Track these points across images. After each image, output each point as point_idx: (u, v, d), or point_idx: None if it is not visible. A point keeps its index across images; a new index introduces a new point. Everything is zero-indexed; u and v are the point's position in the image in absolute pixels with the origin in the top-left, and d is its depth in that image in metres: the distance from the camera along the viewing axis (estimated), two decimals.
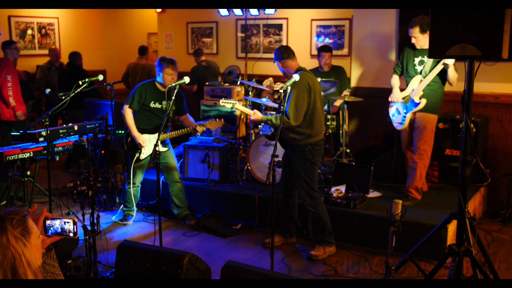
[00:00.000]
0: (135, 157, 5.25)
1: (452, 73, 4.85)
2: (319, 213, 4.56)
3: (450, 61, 4.77)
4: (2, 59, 7.33)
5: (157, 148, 4.73)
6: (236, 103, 4.77)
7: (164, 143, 5.29)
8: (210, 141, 6.12)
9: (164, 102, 5.20)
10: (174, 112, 5.29)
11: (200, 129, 5.11)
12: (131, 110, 5.21)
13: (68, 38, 10.54)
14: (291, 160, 4.62)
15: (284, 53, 4.59)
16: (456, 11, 3.08)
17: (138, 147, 5.22)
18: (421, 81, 4.99)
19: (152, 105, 5.20)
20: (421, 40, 4.97)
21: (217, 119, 5.21)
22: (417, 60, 5.07)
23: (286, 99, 4.41)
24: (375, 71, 6.57)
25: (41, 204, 6.04)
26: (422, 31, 4.91)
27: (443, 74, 4.94)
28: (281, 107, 4.32)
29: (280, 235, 4.89)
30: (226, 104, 4.79)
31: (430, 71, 4.92)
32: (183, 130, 5.19)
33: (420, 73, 5.02)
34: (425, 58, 5.00)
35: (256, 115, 4.67)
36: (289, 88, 4.28)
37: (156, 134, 5.24)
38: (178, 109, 5.33)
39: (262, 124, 6.18)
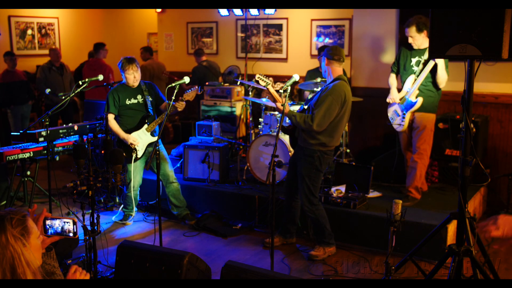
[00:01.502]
0: (133, 158, 5.24)
1: (441, 72, 4.84)
2: (318, 218, 4.55)
3: (438, 60, 4.77)
4: (96, 60, 8.18)
5: (148, 140, 4.92)
6: (270, 83, 4.63)
7: (152, 134, 5.32)
8: (210, 141, 6.12)
9: (139, 96, 5.28)
10: (153, 103, 5.33)
11: (179, 104, 5.06)
12: (113, 115, 5.24)
13: (68, 38, 10.55)
14: (298, 161, 4.59)
15: (335, 54, 4.48)
16: (456, 11, 3.08)
17: (131, 148, 5.22)
18: (415, 80, 4.98)
19: (128, 102, 5.25)
20: (418, 39, 4.96)
21: (191, 89, 5.22)
22: (414, 60, 5.07)
23: (319, 102, 4.31)
24: (375, 71, 6.56)
25: (41, 204, 6.04)
26: (419, 30, 4.90)
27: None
28: (282, 105, 4.28)
29: (280, 235, 4.89)
30: (260, 81, 4.64)
31: (421, 70, 4.92)
32: (165, 113, 5.13)
33: (415, 73, 5.02)
34: (422, 59, 4.99)
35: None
36: (289, 88, 4.27)
37: (143, 128, 5.28)
38: (155, 100, 5.39)
39: (262, 124, 6.19)
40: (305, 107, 4.60)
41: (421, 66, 4.96)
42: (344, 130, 6.20)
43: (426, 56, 4.94)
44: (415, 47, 5.02)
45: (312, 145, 4.44)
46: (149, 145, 5.30)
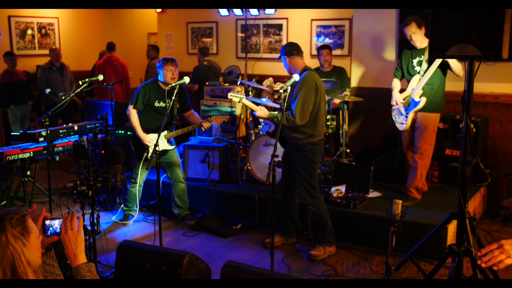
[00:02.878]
0: (143, 157, 5.24)
1: (454, 65, 4.82)
2: (320, 212, 4.56)
3: None
4: (115, 57, 8.79)
5: (163, 147, 4.87)
6: (243, 97, 4.73)
7: (169, 142, 5.29)
8: (210, 141, 6.12)
9: (168, 100, 5.21)
10: (178, 109, 5.30)
11: (205, 125, 5.09)
12: (136, 110, 5.22)
13: (68, 38, 10.54)
14: (292, 159, 4.61)
15: (293, 49, 4.53)
16: (456, 11, 3.08)
17: (145, 147, 5.22)
18: (420, 80, 4.98)
19: (156, 104, 5.22)
20: (419, 35, 4.92)
21: (222, 114, 5.19)
22: (415, 61, 5.06)
23: (294, 98, 4.39)
24: (375, 71, 6.57)
25: (41, 204, 6.04)
26: (419, 26, 4.88)
27: (442, 71, 4.93)
28: (281, 106, 4.32)
29: (280, 235, 4.89)
30: (233, 98, 4.74)
31: (427, 68, 4.91)
32: (188, 127, 5.17)
33: (419, 73, 5.02)
34: (423, 58, 4.98)
35: (262, 111, 4.60)
36: (289, 88, 4.27)
37: (162, 134, 5.24)
38: (182, 105, 5.34)
39: (262, 124, 6.19)
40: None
41: (424, 65, 4.95)
42: (344, 130, 6.20)
43: (426, 55, 4.93)
44: (417, 45, 4.98)
45: (301, 139, 4.49)
46: (162, 152, 5.24)
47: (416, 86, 4.99)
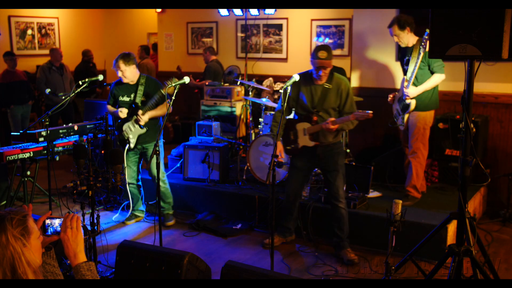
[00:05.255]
0: (126, 149, 5.27)
1: (434, 80, 4.88)
2: (347, 212, 4.61)
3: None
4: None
5: (137, 132, 5.11)
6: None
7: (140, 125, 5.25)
8: (210, 141, 6.12)
9: (132, 95, 5.25)
10: (142, 102, 5.23)
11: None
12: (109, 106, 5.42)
13: (68, 38, 10.55)
14: (328, 161, 4.59)
15: None
16: (456, 11, 3.08)
17: (126, 140, 5.25)
18: (407, 81, 4.97)
19: (120, 98, 5.28)
20: (403, 37, 4.95)
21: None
22: (405, 59, 5.05)
23: (350, 100, 4.50)
24: (375, 71, 6.56)
25: (41, 204, 6.05)
26: (401, 27, 4.89)
27: (429, 74, 4.92)
28: (281, 106, 4.29)
29: (280, 235, 4.89)
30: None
31: (412, 73, 4.89)
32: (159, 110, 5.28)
33: (406, 73, 5.01)
34: (411, 57, 4.96)
35: (332, 123, 4.40)
36: (289, 88, 4.27)
37: (131, 120, 5.23)
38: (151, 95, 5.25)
39: (262, 124, 6.19)
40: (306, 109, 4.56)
41: (411, 68, 4.92)
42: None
43: (415, 56, 4.88)
44: (402, 45, 5.02)
45: (339, 139, 4.66)
46: (140, 138, 5.25)
47: (405, 87, 4.97)
